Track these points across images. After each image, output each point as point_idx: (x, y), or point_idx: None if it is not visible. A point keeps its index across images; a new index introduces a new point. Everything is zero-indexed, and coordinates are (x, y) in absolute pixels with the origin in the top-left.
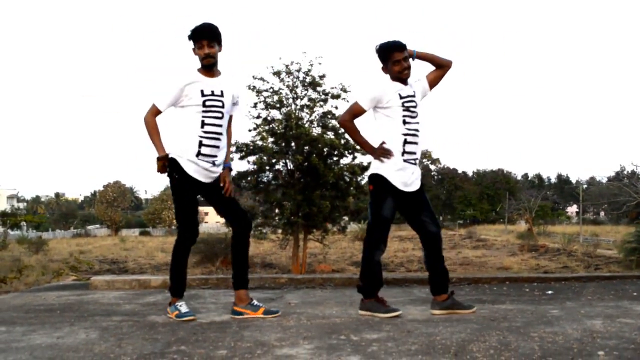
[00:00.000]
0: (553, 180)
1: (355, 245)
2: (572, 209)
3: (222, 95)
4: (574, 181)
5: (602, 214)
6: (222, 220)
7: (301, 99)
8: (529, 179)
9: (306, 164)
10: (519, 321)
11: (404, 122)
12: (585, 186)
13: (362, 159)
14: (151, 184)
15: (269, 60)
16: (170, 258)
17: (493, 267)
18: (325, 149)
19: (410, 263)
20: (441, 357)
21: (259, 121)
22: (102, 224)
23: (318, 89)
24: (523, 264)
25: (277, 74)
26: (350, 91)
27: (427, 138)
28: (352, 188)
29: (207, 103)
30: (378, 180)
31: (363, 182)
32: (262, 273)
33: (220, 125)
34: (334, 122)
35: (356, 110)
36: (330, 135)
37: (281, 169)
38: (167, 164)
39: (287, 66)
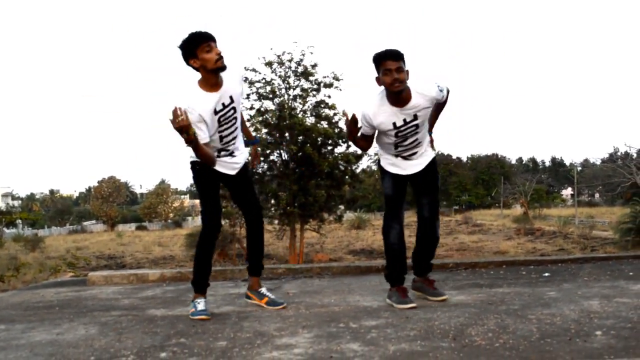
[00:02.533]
0: (547, 163)
1: (352, 233)
2: (567, 192)
3: (232, 101)
4: (568, 164)
5: (596, 195)
6: None
7: (294, 89)
8: (524, 162)
9: (300, 154)
10: (517, 304)
11: (396, 147)
12: (579, 168)
13: (356, 147)
14: (146, 179)
15: (261, 50)
16: (164, 252)
17: (490, 251)
18: (319, 139)
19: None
20: (440, 341)
21: (252, 112)
22: (98, 219)
23: (310, 78)
24: (520, 248)
25: (269, 64)
26: (342, 79)
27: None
28: (347, 177)
29: (221, 119)
30: (380, 168)
31: (358, 171)
32: None
33: (236, 128)
34: (327, 111)
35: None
36: (324, 124)
37: (276, 159)
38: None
39: (278, 56)
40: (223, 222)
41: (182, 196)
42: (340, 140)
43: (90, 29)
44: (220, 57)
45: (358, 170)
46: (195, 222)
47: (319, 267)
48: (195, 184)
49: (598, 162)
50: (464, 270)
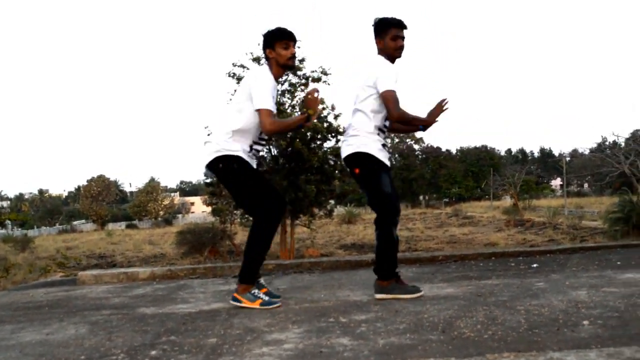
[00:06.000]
0: (536, 154)
1: (342, 228)
2: (556, 182)
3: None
4: (557, 154)
5: (585, 185)
6: (208, 209)
7: (282, 84)
8: (513, 154)
9: (290, 149)
10: (505, 295)
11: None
12: (568, 159)
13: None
14: (136, 177)
15: (248, 47)
16: (154, 250)
17: (480, 243)
18: (308, 133)
19: None
20: (429, 334)
21: None
22: (87, 219)
23: (298, 73)
24: (510, 239)
25: (257, 60)
26: (330, 74)
27: None
28: (337, 171)
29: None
30: (364, 159)
31: None
32: None
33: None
34: None
35: (397, 98)
36: None
37: (265, 155)
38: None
39: None
40: (213, 219)
41: (172, 194)
42: (329, 135)
43: (75, 26)
44: (293, 57)
45: None
46: (185, 220)
47: (309, 262)
48: (240, 179)
49: (587, 152)
50: (454, 262)
